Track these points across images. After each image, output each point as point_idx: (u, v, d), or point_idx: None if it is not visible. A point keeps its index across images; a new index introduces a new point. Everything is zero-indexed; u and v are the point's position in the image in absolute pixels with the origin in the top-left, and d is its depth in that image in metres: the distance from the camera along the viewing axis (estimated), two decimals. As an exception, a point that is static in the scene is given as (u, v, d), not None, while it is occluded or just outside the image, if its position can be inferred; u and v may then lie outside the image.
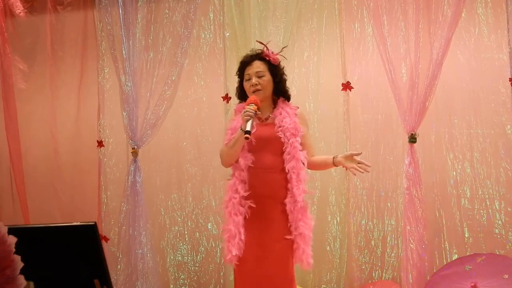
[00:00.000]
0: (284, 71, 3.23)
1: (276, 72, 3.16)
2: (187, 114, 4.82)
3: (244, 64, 3.17)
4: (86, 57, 5.03)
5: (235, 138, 3.00)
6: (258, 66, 3.13)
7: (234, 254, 2.95)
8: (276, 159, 3.03)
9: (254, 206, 2.98)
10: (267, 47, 3.18)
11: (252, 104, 2.98)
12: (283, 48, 3.29)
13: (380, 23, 4.03)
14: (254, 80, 3.09)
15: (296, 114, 3.12)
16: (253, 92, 3.09)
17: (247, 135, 2.86)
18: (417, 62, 3.95)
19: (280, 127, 3.05)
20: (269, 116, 3.14)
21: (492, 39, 4.26)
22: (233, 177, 3.07)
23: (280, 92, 3.18)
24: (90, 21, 4.97)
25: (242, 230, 2.97)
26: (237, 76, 3.24)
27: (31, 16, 5.10)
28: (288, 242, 3.01)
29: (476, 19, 4.28)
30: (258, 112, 3.01)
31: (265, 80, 3.11)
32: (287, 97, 3.21)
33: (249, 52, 3.23)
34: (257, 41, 3.30)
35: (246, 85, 3.14)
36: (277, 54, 3.19)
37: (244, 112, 2.93)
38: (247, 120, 2.90)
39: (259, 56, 3.16)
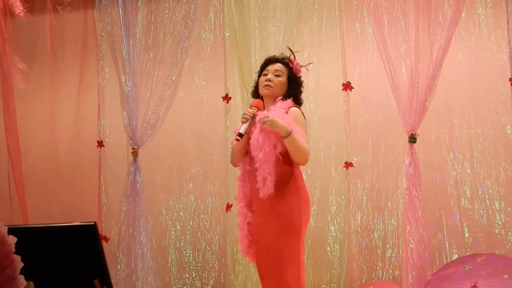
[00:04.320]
0: (302, 84, 3.28)
1: (294, 80, 3.22)
2: (188, 114, 4.83)
3: (268, 62, 3.26)
4: (86, 57, 5.03)
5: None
6: (279, 66, 3.22)
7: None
8: None
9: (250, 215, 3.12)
10: (294, 56, 3.24)
11: (254, 108, 3.05)
12: (309, 63, 3.37)
13: (380, 23, 4.03)
14: (270, 76, 3.17)
15: (285, 109, 3.08)
16: (264, 85, 3.15)
17: (237, 137, 2.96)
18: (417, 62, 3.95)
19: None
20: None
21: (492, 39, 4.26)
22: (238, 179, 3.20)
23: (290, 97, 3.18)
24: (90, 21, 4.97)
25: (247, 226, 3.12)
26: (256, 74, 3.31)
27: (31, 16, 5.09)
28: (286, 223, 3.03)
29: (476, 19, 4.28)
30: (257, 115, 3.03)
31: (280, 80, 3.17)
32: (298, 104, 3.23)
33: (275, 55, 3.32)
34: (287, 47, 3.34)
35: (261, 79, 3.20)
36: (302, 66, 3.26)
37: (243, 114, 3.04)
38: (243, 123, 2.99)
39: (284, 62, 3.23)
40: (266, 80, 3.15)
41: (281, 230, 3.01)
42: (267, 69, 3.21)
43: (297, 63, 3.24)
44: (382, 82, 4.23)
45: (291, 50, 3.27)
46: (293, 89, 3.20)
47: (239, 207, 3.18)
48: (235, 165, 3.25)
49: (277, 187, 3.00)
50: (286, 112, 3.06)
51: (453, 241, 4.24)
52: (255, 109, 3.05)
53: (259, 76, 3.27)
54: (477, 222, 4.21)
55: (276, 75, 3.17)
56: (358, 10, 4.45)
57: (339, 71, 4.47)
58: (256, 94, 3.28)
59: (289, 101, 3.14)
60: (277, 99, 3.16)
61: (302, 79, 3.30)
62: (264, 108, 3.15)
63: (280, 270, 2.99)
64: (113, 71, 4.66)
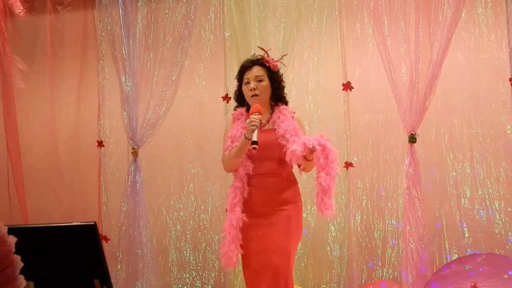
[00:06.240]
0: (283, 78, 3.27)
1: (275, 78, 3.20)
2: (188, 114, 4.83)
3: (244, 68, 3.21)
4: (86, 57, 5.03)
5: (238, 146, 3.03)
6: (257, 71, 3.17)
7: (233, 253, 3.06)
8: (277, 164, 3.06)
9: (246, 220, 3.01)
10: (267, 54, 3.22)
11: (257, 113, 3.00)
12: (284, 55, 3.34)
13: (380, 23, 4.03)
14: (253, 84, 3.13)
15: (293, 118, 3.13)
16: (251, 96, 3.12)
17: (254, 146, 2.88)
18: (417, 62, 3.96)
19: (280, 133, 3.05)
20: (267, 122, 3.15)
21: (492, 39, 4.26)
22: (233, 185, 3.11)
23: (277, 98, 3.21)
24: (90, 21, 4.97)
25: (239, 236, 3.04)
26: (236, 80, 3.27)
27: (31, 16, 5.09)
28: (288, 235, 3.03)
29: (476, 19, 4.28)
30: (263, 122, 3.05)
31: (263, 85, 3.14)
32: (285, 103, 3.24)
33: (249, 57, 3.28)
34: (258, 46, 3.32)
35: (245, 89, 3.17)
36: (277, 61, 3.23)
37: (250, 122, 2.95)
38: (253, 130, 2.92)
39: (259, 62, 3.20)
40: (251, 89, 3.12)
41: (292, 233, 3.03)
42: (247, 77, 3.16)
43: (272, 60, 3.21)
44: (382, 82, 4.24)
45: (262, 49, 3.24)
46: (277, 89, 3.20)
47: (233, 211, 3.07)
48: (232, 170, 3.14)
49: (284, 191, 3.06)
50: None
51: (453, 241, 4.24)
52: (258, 114, 3.01)
53: (239, 84, 3.23)
54: (477, 222, 4.21)
55: (259, 81, 3.14)
56: (358, 10, 4.45)
57: (339, 71, 4.47)
58: (239, 99, 3.25)
59: (287, 108, 3.18)
60: (274, 108, 3.17)
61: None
62: (262, 112, 3.10)
63: (288, 270, 3.00)
64: (113, 71, 4.66)
